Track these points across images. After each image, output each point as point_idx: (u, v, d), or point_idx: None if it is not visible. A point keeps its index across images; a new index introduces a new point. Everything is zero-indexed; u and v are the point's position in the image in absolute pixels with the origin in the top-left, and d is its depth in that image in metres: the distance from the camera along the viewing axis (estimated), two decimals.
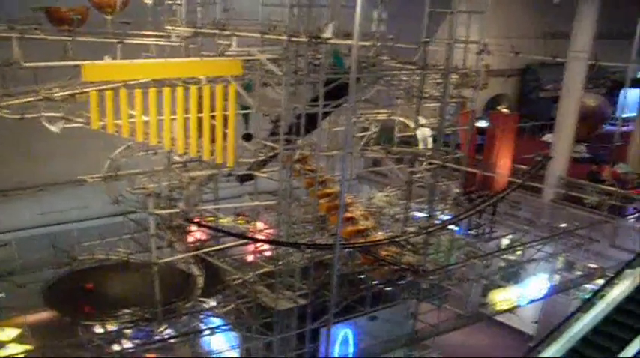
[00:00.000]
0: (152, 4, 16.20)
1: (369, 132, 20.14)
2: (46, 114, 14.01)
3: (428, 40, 18.49)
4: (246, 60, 14.71)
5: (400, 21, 18.62)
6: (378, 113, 20.11)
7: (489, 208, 20.20)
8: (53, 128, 14.02)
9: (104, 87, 13.59)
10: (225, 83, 14.06)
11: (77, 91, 14.00)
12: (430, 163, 18.86)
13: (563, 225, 25.06)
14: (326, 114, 16.29)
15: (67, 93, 14.09)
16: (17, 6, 14.97)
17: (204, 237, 18.44)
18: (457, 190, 20.53)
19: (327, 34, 14.13)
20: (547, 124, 36.08)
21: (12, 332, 18.47)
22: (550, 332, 16.79)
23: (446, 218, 19.81)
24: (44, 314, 17.06)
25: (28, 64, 13.66)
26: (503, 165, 29.15)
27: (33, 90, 14.27)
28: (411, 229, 19.26)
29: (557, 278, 25.68)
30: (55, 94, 14.06)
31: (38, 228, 24.04)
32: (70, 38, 14.25)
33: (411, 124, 19.58)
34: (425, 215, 19.94)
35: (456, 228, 20.41)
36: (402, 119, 20.00)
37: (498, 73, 37.46)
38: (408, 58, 18.80)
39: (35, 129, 14.09)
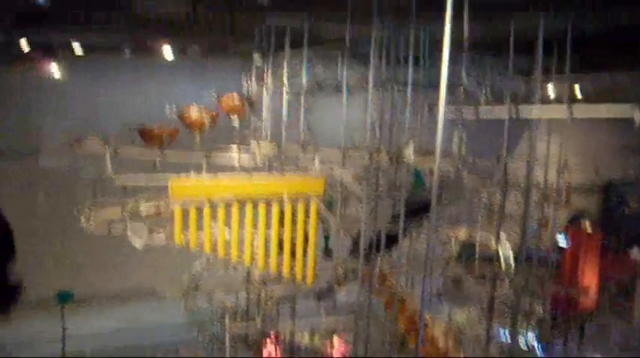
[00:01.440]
0: (238, 123, 16.70)
1: (449, 250, 19.83)
2: (130, 229, 14.41)
3: (508, 157, 18.36)
4: (327, 177, 14.89)
5: (480, 138, 18.62)
6: (459, 231, 19.84)
7: (576, 330, 19.37)
8: (137, 243, 14.36)
9: (188, 202, 13.95)
10: (307, 200, 14.22)
11: (162, 207, 14.37)
12: (512, 282, 18.34)
13: None
14: (406, 232, 16.19)
15: (152, 208, 14.47)
16: (112, 123, 15.67)
17: (280, 354, 18.19)
18: (541, 310, 19.82)
19: (408, 153, 14.21)
20: (634, 240, 34.86)
21: None
22: None
23: (529, 339, 19.06)
24: None
25: (118, 181, 14.17)
26: (587, 284, 28.11)
27: (120, 205, 14.76)
28: (493, 350, 18.54)
29: None
30: (141, 209, 14.47)
31: (113, 338, 24.21)
32: (160, 156, 14.73)
33: (493, 242, 19.19)
34: (507, 335, 19.20)
35: (541, 351, 19.60)
36: (483, 237, 19.65)
37: (580, 190, 36.77)
38: (488, 175, 18.66)
39: (115, 241, 14.50)
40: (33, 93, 23.76)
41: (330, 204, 15.57)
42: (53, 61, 23.32)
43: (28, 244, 20.78)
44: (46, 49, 21.98)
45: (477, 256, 19.64)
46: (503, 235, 19.01)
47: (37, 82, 23.64)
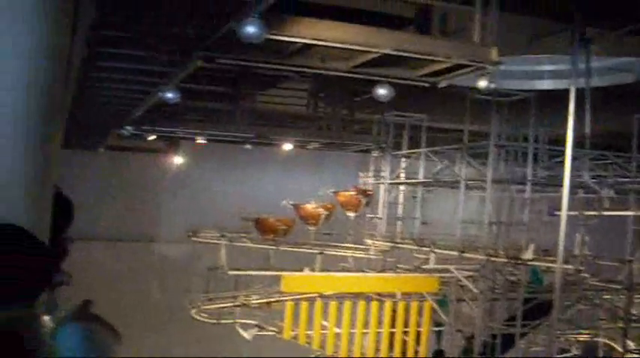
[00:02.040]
0: (354, 217, 16.82)
1: (569, 355, 18.84)
2: (241, 320, 14.55)
3: (632, 258, 17.51)
4: (442, 276, 14.64)
5: (602, 238, 17.89)
6: (580, 334, 18.86)
7: None
8: (246, 335, 14.45)
9: (300, 297, 13.99)
10: (420, 299, 13.99)
11: (274, 300, 14.47)
12: None
13: None
14: (523, 334, 15.56)
15: (263, 301, 14.60)
16: (229, 212, 16.10)
17: None
18: None
19: (528, 255, 13.79)
20: None
21: None
22: None
23: None
24: None
25: (232, 272, 14.42)
26: None
27: (232, 296, 14.98)
28: None
29: None
30: (252, 302, 14.62)
31: None
32: (275, 247, 14.93)
33: (618, 348, 18.12)
34: None
35: None
36: (606, 341, 18.60)
37: None
38: (611, 277, 17.82)
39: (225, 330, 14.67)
40: (156, 182, 24.75)
41: (444, 303, 15.23)
42: (176, 151, 24.36)
43: (139, 328, 21.19)
44: (169, 141, 23.02)
45: None
46: (629, 342, 17.98)
47: (159, 172, 24.67)
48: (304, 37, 8.67)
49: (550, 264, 14.00)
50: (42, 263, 2.51)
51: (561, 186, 15.80)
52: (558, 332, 18.20)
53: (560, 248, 12.62)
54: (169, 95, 12.28)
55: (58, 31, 3.10)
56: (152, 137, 19.44)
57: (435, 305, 14.54)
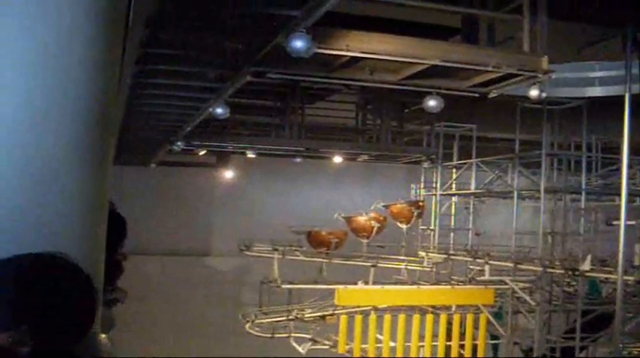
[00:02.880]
0: (406, 229, 16.68)
1: None
2: (295, 334, 14.52)
3: None
4: (497, 287, 14.41)
5: None
6: None
7: None
8: (300, 349, 14.40)
9: (354, 310, 13.90)
10: (475, 311, 13.80)
11: (328, 313, 14.40)
12: None
13: None
14: (583, 347, 15.20)
15: (317, 314, 14.54)
16: (281, 225, 16.12)
17: None
18: None
19: (585, 266, 13.49)
20: None
21: None
22: None
23: None
24: None
25: (285, 285, 14.43)
26: None
27: (286, 310, 14.97)
28: None
29: None
30: (306, 315, 14.58)
31: None
32: (327, 260, 14.90)
33: None
34: None
35: None
36: None
37: None
38: None
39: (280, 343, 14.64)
40: (207, 196, 24.97)
41: (499, 316, 15.00)
42: (226, 165, 24.56)
43: (194, 341, 21.32)
44: (220, 155, 23.21)
45: None
46: None
47: (210, 186, 24.88)
48: (352, 50, 8.66)
49: (609, 275, 13.67)
50: (90, 304, 2.51)
51: (616, 194, 15.44)
52: (620, 345, 17.78)
53: (620, 258, 12.30)
54: (219, 110, 12.36)
55: (110, 49, 3.14)
56: (202, 152, 19.63)
57: (491, 318, 14.32)
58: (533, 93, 10.97)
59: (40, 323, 2.29)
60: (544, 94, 11.46)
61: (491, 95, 11.09)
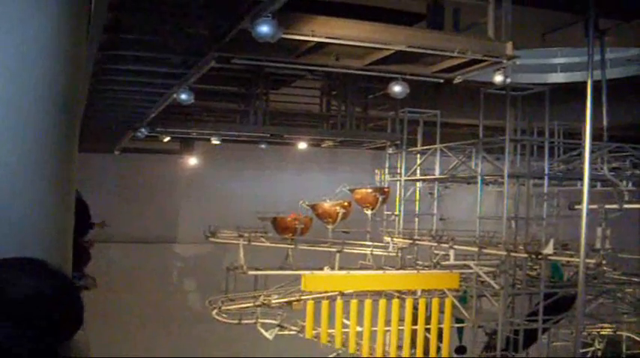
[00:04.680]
0: (371, 214, 16.74)
1: (592, 348, 18.70)
2: (262, 320, 14.52)
3: None
4: (462, 272, 14.57)
5: (624, 231, 17.73)
6: (602, 328, 18.71)
7: None
8: (267, 335, 14.42)
9: (321, 296, 13.94)
10: (440, 295, 13.94)
11: (294, 299, 14.41)
12: None
13: None
14: (545, 329, 15.44)
15: (284, 300, 14.55)
16: (246, 212, 16.05)
17: None
18: None
19: (548, 250, 13.68)
20: None
21: None
22: None
23: None
24: None
25: (251, 272, 14.39)
26: None
27: (252, 296, 14.94)
28: None
29: None
30: (273, 301, 14.57)
31: None
32: (292, 246, 14.89)
33: None
34: None
35: None
36: (629, 335, 18.45)
37: None
38: (633, 270, 17.66)
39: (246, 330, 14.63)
40: (172, 184, 24.81)
41: (464, 300, 15.16)
42: (191, 152, 24.43)
43: (160, 328, 21.26)
44: (185, 142, 23.08)
45: (623, 356, 18.42)
46: None
47: (174, 173, 24.73)
48: (318, 36, 8.64)
49: (571, 259, 13.89)
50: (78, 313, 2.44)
51: (579, 179, 15.68)
52: (582, 326, 18.11)
53: (582, 242, 12.50)
54: (183, 96, 12.25)
55: (75, 35, 3.08)
56: (167, 138, 19.46)
57: (456, 302, 14.47)
58: (498, 78, 11.08)
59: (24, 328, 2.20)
60: (508, 80, 11.58)
61: (456, 81, 11.16)
